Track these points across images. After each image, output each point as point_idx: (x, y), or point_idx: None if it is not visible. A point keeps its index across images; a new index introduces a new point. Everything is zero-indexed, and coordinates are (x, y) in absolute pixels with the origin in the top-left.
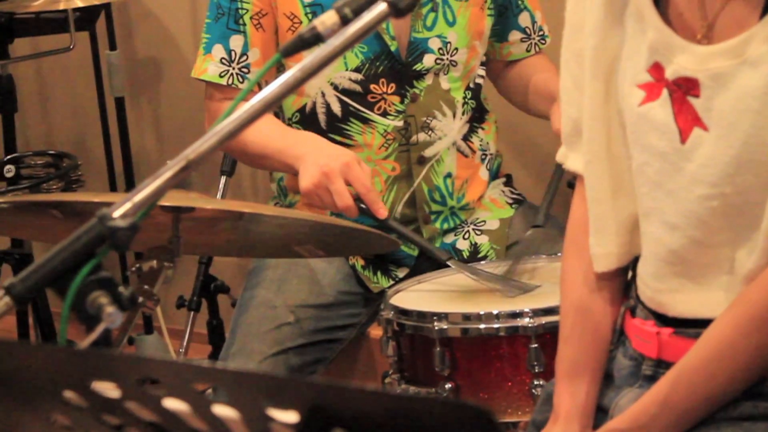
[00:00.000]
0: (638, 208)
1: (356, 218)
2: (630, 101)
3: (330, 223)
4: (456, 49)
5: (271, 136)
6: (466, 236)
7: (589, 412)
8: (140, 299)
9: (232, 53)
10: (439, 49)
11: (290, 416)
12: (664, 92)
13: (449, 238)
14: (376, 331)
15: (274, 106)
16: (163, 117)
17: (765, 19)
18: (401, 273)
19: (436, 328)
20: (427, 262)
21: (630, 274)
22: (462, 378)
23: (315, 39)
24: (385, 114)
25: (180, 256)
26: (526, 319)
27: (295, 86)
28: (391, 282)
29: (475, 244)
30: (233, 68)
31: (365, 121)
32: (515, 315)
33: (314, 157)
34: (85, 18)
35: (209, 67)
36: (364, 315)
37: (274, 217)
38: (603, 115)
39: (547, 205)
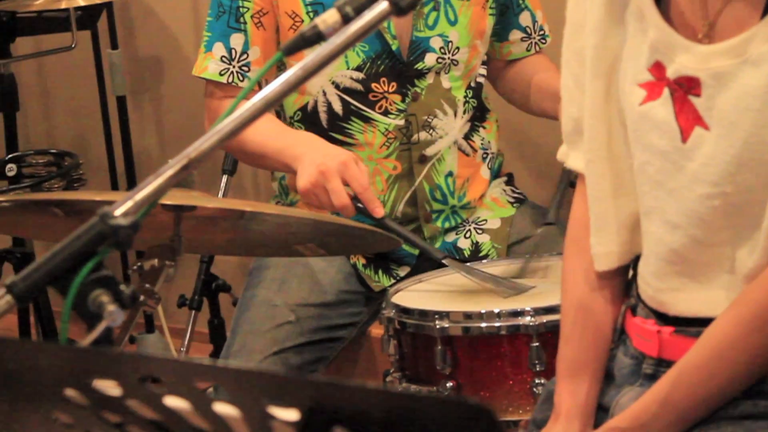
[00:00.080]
0: (639, 207)
1: (354, 217)
2: (631, 100)
3: (331, 221)
4: (457, 48)
5: (270, 135)
6: (468, 235)
7: (589, 410)
8: (141, 298)
9: (233, 51)
10: (441, 48)
11: (291, 414)
12: (666, 91)
13: (450, 237)
14: (377, 330)
15: (276, 105)
16: (164, 116)
17: (766, 19)
18: (402, 272)
19: (438, 326)
20: (429, 261)
21: (631, 273)
22: (463, 376)
23: (316, 37)
24: (386, 113)
25: (181, 255)
26: (528, 318)
27: (297, 85)
28: (393, 281)
29: (477, 243)
30: (233, 66)
31: (366, 119)
32: (516, 314)
33: (312, 157)
34: (87, 17)
35: (210, 65)
36: (365, 314)
37: (276, 216)
38: (604, 114)
39: (557, 203)
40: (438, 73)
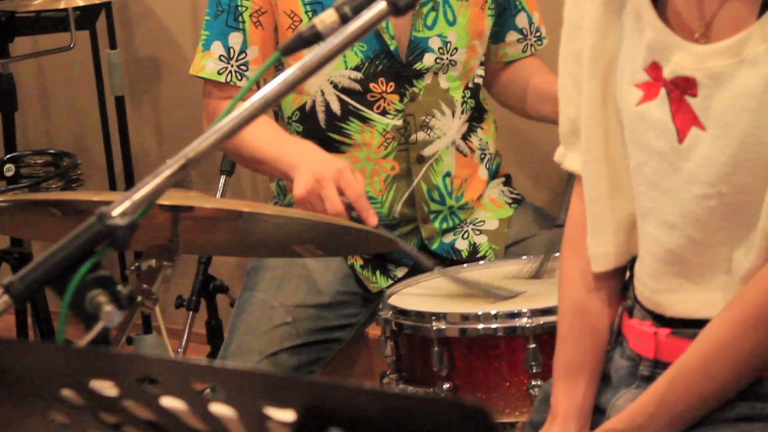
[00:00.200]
0: (636, 208)
1: None
2: (628, 100)
3: (329, 222)
4: (456, 48)
5: (268, 142)
6: (465, 236)
7: (586, 412)
8: (139, 298)
9: (231, 50)
10: (439, 48)
11: (287, 415)
12: (662, 91)
13: (448, 238)
14: (374, 331)
15: (274, 105)
16: (163, 116)
17: (762, 19)
18: (400, 273)
19: (435, 328)
20: None
21: (627, 274)
22: (460, 378)
23: (314, 37)
24: (384, 113)
25: (179, 256)
26: (524, 320)
27: (295, 84)
28: (390, 282)
29: (474, 243)
30: (231, 65)
31: (364, 119)
32: (513, 315)
33: (308, 165)
34: (86, 17)
35: (207, 64)
36: (362, 315)
37: (274, 217)
38: (601, 114)
39: (567, 204)
40: (436, 74)
